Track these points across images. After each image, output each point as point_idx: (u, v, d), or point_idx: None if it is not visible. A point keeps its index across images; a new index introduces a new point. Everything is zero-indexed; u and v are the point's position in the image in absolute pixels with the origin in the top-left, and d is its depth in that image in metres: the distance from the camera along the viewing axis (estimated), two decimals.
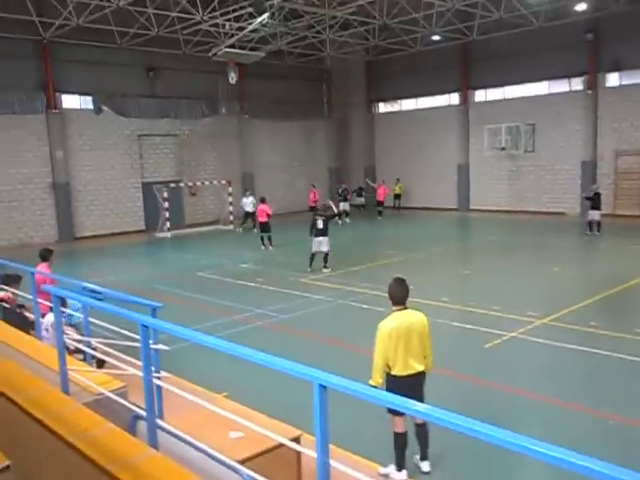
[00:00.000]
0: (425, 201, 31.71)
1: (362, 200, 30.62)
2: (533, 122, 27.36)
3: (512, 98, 28.52)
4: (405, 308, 5.53)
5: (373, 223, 27.44)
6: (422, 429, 5.56)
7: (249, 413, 4.61)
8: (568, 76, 26.59)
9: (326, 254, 15.98)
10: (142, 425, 4.04)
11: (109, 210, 26.21)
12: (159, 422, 3.95)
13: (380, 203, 29.00)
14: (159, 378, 4.46)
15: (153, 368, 4.11)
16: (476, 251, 20.20)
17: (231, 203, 27.73)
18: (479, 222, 27.73)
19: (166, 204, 25.49)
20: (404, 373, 5.41)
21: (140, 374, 3.97)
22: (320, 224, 15.93)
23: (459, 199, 30.94)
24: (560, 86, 27.13)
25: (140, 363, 4.01)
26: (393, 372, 5.43)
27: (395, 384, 5.35)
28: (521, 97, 28.18)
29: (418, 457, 5.73)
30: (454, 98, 30.90)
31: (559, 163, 27.24)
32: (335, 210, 20.75)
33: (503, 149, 27.44)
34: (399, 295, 5.53)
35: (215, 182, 28.41)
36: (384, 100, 34.53)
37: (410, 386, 5.35)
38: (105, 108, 25.73)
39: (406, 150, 32.68)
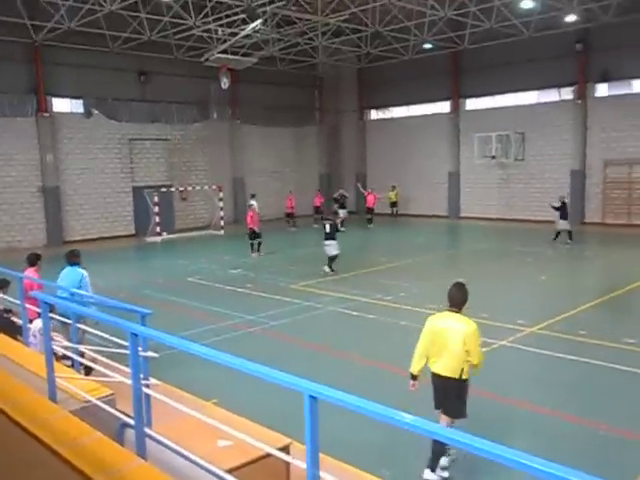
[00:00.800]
0: (415, 208, 31.80)
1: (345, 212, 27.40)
2: (523, 131, 27.56)
3: (502, 107, 28.72)
4: (457, 312, 5.69)
5: (364, 230, 27.44)
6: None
7: (238, 421, 4.59)
8: (558, 86, 26.84)
9: (332, 257, 16.39)
10: (130, 433, 4.01)
11: (99, 214, 26.07)
12: (147, 431, 3.92)
13: (370, 210, 28.99)
14: (148, 386, 4.43)
15: (142, 376, 4.08)
16: (465, 259, 20.27)
17: (222, 208, 27.68)
18: (469, 230, 27.84)
19: (156, 209, 25.38)
20: (434, 370, 5.70)
21: (129, 382, 3.95)
22: (327, 228, 16.41)
23: (449, 206, 31.07)
24: (550, 96, 27.38)
25: (129, 370, 3.98)
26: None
27: (432, 377, 5.74)
28: (511, 106, 28.38)
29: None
30: (445, 106, 31.05)
31: (548, 172, 27.44)
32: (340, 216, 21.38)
33: (493, 157, 27.60)
34: (452, 298, 5.73)
35: (206, 187, 28.36)
36: (375, 107, 34.67)
37: (439, 386, 5.67)
38: (96, 112, 25.63)
39: (397, 157, 32.80)
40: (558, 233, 20.76)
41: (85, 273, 8.46)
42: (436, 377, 5.67)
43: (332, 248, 16.37)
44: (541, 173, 27.68)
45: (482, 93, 29.35)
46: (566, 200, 21.19)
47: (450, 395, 5.63)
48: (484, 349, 9.52)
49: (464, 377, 5.58)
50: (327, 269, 16.39)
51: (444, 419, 5.72)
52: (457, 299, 5.70)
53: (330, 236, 16.37)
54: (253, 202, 23.79)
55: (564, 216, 20.65)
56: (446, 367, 5.56)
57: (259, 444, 3.43)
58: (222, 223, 27.39)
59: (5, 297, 8.78)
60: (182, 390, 6.99)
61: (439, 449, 5.53)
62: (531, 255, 19.12)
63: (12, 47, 22.80)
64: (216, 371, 6.97)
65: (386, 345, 10.29)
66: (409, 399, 6.11)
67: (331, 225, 16.55)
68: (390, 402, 2.68)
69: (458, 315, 5.67)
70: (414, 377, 5.75)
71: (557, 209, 20.75)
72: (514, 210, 28.54)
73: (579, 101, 26.07)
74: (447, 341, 5.55)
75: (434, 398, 5.74)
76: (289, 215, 28.07)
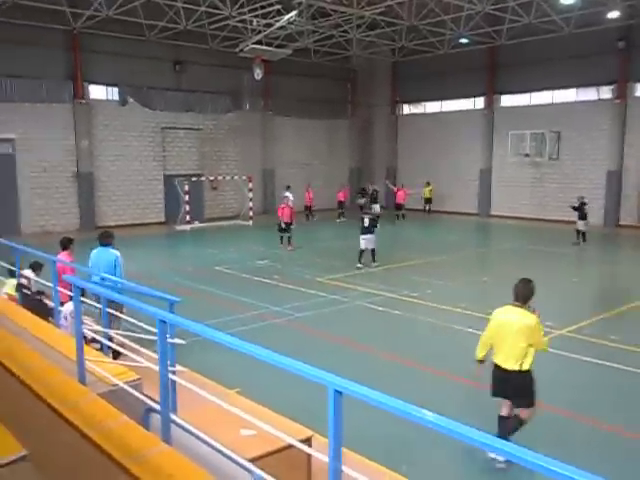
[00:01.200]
0: (446, 205, 31.47)
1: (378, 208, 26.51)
2: (559, 129, 27.01)
3: (538, 104, 28.17)
4: (520, 306, 5.84)
5: (393, 226, 27.26)
6: (503, 422, 5.92)
7: (261, 411, 4.62)
8: (597, 84, 26.19)
9: (372, 250, 16.48)
10: (155, 418, 4.07)
11: (131, 201, 26.46)
12: (172, 417, 3.97)
13: (399, 206, 28.80)
14: (174, 372, 4.48)
15: (168, 362, 4.13)
16: (495, 258, 20.02)
17: (251, 199, 27.83)
18: (499, 228, 27.46)
19: (187, 197, 25.66)
20: (495, 362, 5.90)
21: (155, 367, 4.00)
22: (365, 222, 16.47)
23: (480, 204, 30.67)
24: (588, 94, 26.75)
25: (155, 355, 4.03)
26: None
27: (493, 368, 5.96)
28: (547, 104, 27.82)
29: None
30: (479, 102, 30.63)
31: (584, 172, 26.85)
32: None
33: (527, 156, 27.13)
34: (516, 291, 5.92)
35: (236, 177, 28.54)
36: (408, 101, 34.35)
37: (500, 379, 5.85)
38: (131, 100, 25.99)
39: (429, 153, 32.49)
40: (578, 233, 20.40)
41: (118, 254, 8.61)
42: (496, 368, 5.88)
43: (369, 242, 16.43)
44: (576, 173, 27.10)
45: (518, 90, 28.81)
46: (585, 201, 20.81)
47: (513, 387, 5.79)
48: None
49: (525, 368, 5.72)
50: (374, 263, 16.50)
51: (507, 405, 5.98)
52: (521, 294, 5.86)
53: (368, 230, 16.44)
54: (288, 194, 23.64)
55: (582, 217, 20.38)
56: (506, 359, 5.76)
57: (281, 435, 3.44)
58: (251, 214, 27.55)
59: (38, 279, 8.99)
60: (206, 378, 7.07)
61: (504, 426, 5.85)
62: (563, 256, 18.79)
63: (51, 34, 23.22)
64: (240, 360, 7.02)
65: (410, 342, 10.25)
66: (431, 395, 6.08)
67: (371, 219, 16.60)
68: (412, 398, 2.66)
69: (521, 310, 5.81)
70: (480, 361, 6.17)
71: (575, 209, 20.44)
72: (547, 210, 28.01)
73: (618, 100, 25.43)
74: (507, 334, 5.74)
75: (492, 387, 5.99)
76: (308, 208, 28.14)
